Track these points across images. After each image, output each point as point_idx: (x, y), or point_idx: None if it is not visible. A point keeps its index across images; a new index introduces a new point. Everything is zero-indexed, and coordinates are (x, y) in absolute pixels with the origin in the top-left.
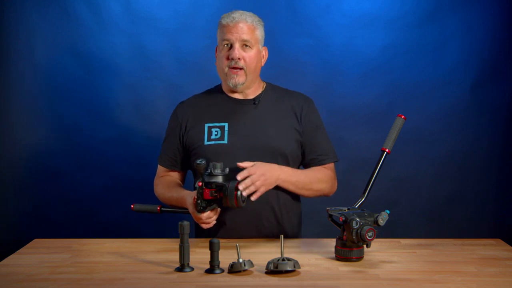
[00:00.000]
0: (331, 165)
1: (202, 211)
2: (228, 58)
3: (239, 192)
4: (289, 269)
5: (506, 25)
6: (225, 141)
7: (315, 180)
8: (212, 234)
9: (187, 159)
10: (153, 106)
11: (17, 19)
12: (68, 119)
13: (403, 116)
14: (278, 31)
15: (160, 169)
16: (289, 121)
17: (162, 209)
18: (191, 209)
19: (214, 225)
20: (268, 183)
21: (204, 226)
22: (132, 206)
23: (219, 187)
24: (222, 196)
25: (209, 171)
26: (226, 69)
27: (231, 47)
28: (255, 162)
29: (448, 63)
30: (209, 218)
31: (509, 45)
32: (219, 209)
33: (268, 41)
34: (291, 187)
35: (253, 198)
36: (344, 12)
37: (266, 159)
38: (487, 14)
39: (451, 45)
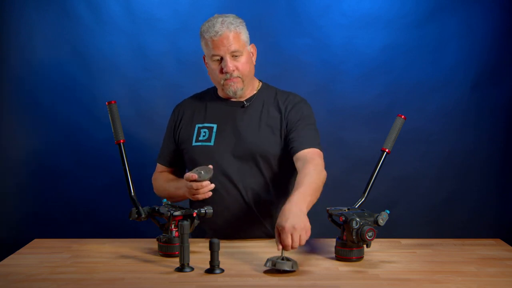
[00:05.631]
0: (314, 151)
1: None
2: (222, 72)
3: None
4: (286, 269)
5: (506, 25)
6: (211, 143)
7: (319, 182)
8: (200, 235)
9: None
10: (153, 106)
11: (17, 19)
12: (68, 119)
13: (403, 116)
14: (278, 31)
15: (159, 166)
16: (275, 123)
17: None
18: (187, 187)
19: (203, 227)
20: (304, 228)
21: (201, 196)
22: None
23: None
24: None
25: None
26: (222, 81)
27: (221, 59)
28: (282, 218)
29: (448, 63)
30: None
31: (509, 45)
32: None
33: (268, 41)
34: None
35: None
36: (344, 12)
37: (249, 163)
38: (487, 14)
39: (451, 45)
